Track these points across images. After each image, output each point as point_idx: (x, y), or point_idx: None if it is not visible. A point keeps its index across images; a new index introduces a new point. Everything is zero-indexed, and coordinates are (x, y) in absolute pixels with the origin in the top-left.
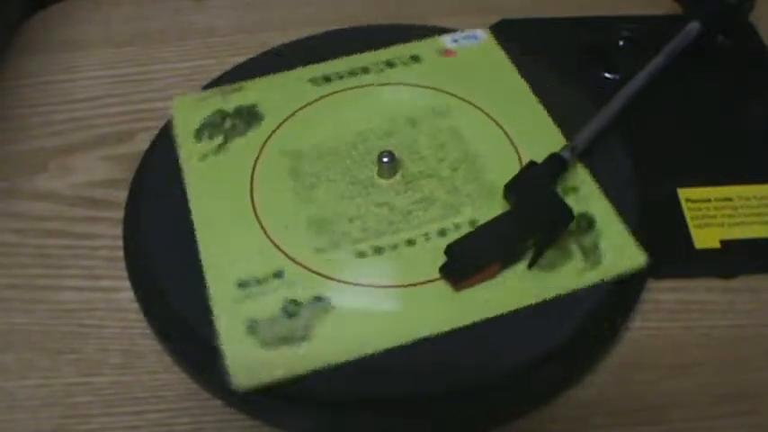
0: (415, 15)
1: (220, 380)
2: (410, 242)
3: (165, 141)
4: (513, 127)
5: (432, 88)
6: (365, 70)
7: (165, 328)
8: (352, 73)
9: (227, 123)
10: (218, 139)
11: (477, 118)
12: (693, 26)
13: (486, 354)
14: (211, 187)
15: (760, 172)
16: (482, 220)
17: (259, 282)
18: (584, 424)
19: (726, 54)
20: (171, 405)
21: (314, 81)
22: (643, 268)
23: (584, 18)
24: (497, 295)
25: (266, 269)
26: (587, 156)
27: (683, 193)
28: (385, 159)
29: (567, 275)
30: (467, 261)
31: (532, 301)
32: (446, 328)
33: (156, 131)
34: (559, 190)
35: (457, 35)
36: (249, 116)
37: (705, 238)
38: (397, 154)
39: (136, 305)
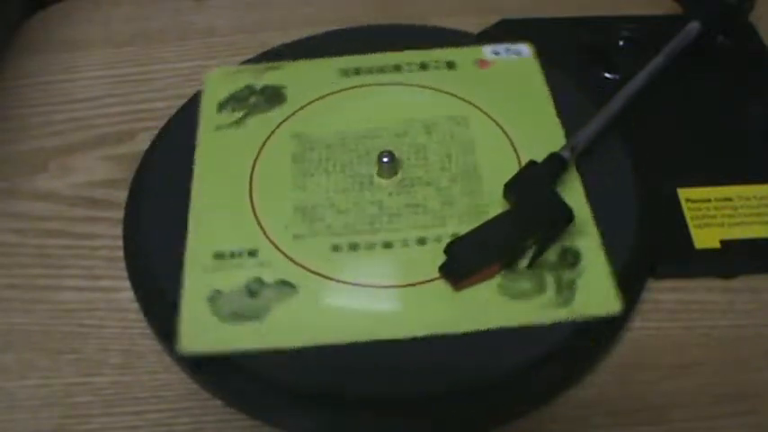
0: (415, 15)
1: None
2: (387, 245)
3: (165, 141)
4: (526, 149)
5: (456, 96)
6: (397, 68)
7: (165, 328)
8: (383, 69)
9: (252, 99)
10: (239, 114)
11: (493, 133)
12: (693, 26)
13: (487, 354)
14: (218, 158)
15: (760, 172)
16: None
17: (233, 256)
18: (584, 424)
19: (726, 54)
20: (171, 405)
21: (344, 72)
22: (616, 315)
23: (584, 18)
24: (462, 312)
25: (243, 245)
26: (587, 156)
27: (683, 193)
28: (385, 159)
29: (536, 307)
30: (466, 261)
31: (494, 325)
32: (404, 332)
33: (156, 131)
34: (559, 190)
35: (499, 47)
36: (274, 96)
37: (705, 238)
38: (402, 156)
39: (136, 305)
